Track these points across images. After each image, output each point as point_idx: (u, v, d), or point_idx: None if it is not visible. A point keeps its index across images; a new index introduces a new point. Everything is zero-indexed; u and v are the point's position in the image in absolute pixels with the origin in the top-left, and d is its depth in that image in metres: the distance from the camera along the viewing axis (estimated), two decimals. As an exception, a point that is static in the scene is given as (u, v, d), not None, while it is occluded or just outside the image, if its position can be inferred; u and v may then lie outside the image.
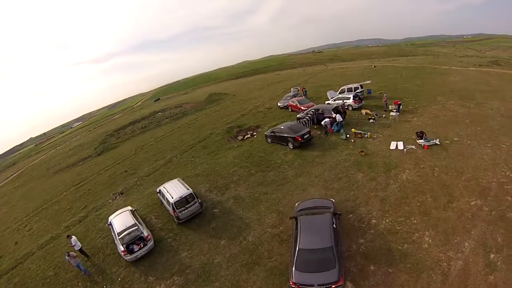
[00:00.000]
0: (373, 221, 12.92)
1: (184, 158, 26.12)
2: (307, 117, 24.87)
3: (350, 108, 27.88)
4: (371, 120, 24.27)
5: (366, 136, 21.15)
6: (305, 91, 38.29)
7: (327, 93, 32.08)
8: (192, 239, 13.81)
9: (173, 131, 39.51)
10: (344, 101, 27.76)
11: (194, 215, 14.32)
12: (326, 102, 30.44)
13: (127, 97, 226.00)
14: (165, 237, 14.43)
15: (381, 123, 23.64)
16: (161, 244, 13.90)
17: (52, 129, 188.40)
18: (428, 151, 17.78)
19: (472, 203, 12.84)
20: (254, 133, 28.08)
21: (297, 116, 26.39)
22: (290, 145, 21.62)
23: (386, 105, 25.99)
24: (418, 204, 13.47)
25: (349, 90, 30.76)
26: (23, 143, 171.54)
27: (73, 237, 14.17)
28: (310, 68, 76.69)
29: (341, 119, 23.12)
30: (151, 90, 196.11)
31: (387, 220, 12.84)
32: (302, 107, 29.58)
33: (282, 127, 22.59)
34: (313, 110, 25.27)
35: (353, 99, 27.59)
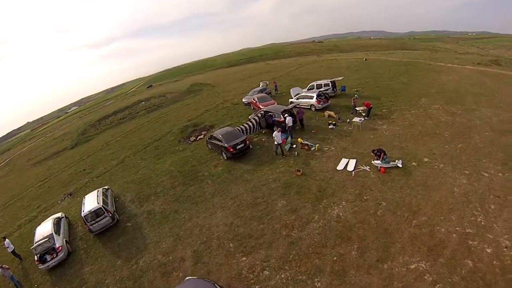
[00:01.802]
0: (266, 272, 9.77)
1: (134, 159, 24.41)
2: (252, 121, 20.78)
3: (313, 109, 23.53)
4: (330, 126, 19.98)
5: (313, 149, 17.00)
6: (276, 86, 33.77)
7: (291, 90, 27.60)
8: (98, 254, 13.13)
9: (142, 126, 37.42)
10: (302, 100, 23.44)
11: (106, 228, 14.13)
12: (290, 100, 26.02)
13: (126, 81, 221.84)
14: (81, 247, 13.91)
15: (341, 131, 19.39)
16: (74, 255, 13.52)
17: (50, 113, 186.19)
18: (384, 176, 13.58)
19: (412, 267, 8.88)
20: (201, 136, 25.03)
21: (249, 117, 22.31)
22: (224, 155, 18.32)
23: (355, 107, 21.50)
24: (335, 257, 9.67)
25: (319, 86, 26.29)
26: (20, 127, 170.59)
27: (7, 239, 14.34)
28: (302, 58, 71.39)
29: (291, 124, 18.81)
30: (150, 75, 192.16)
31: (283, 276, 9.40)
32: (261, 106, 25.45)
33: (218, 133, 19.09)
34: (262, 112, 21.14)
35: (316, 98, 23.05)
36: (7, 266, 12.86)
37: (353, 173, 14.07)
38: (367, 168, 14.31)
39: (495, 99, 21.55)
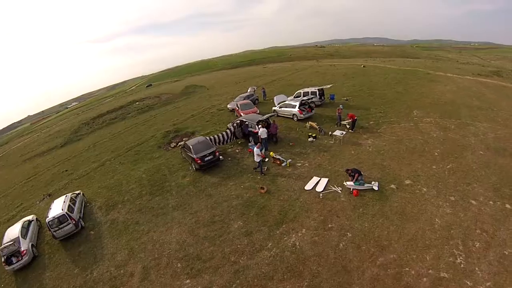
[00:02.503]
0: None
1: (113, 163, 23.57)
2: (227, 131, 19.45)
3: (295, 119, 21.95)
4: (310, 139, 18.37)
5: (284, 164, 15.50)
6: (264, 92, 32.32)
7: (274, 97, 26.03)
8: (60, 260, 12.82)
9: (130, 128, 36.48)
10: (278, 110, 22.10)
11: (70, 234, 13.86)
12: (273, 109, 24.46)
13: (129, 78, 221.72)
14: (46, 252, 13.59)
15: (320, 144, 17.82)
16: (38, 259, 13.26)
17: (51, 108, 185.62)
18: (357, 199, 11.94)
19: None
20: (181, 142, 23.40)
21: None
22: (193, 166, 17.27)
23: (340, 118, 19.88)
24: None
25: (306, 94, 24.79)
26: (21, 120, 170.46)
27: None
28: (300, 63, 69.71)
29: (265, 136, 17.25)
30: (152, 74, 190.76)
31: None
32: (242, 113, 24.01)
33: (190, 143, 17.83)
34: (238, 122, 19.66)
35: (298, 107, 21.47)
36: None
37: (321, 194, 12.52)
38: (339, 189, 12.71)
39: (492, 112, 19.84)
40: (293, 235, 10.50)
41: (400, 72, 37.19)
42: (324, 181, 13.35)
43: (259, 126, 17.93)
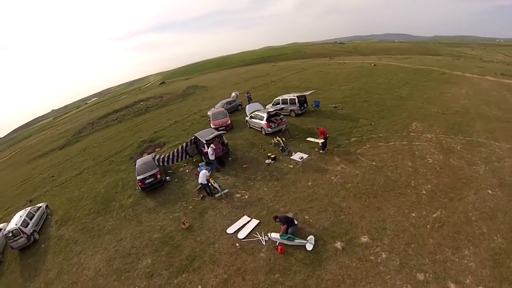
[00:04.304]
0: None
1: (88, 173, 22.94)
2: (178, 148, 17.17)
3: (263, 132, 18.51)
4: (268, 160, 14.88)
5: (218, 195, 13.08)
6: (249, 97, 28.97)
7: (246, 107, 22.46)
8: (13, 268, 13.33)
9: (119, 132, 35.72)
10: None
11: (24, 247, 14.34)
12: (245, 119, 21.18)
13: (148, 74, 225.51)
14: (7, 259, 14.24)
15: (277, 169, 14.53)
16: (1, 266, 13.83)
17: (73, 102, 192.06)
18: (279, 259, 8.95)
19: None
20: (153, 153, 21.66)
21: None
22: (138, 186, 15.78)
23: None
24: None
25: (285, 102, 21.11)
26: (45, 114, 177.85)
27: None
28: (312, 60, 64.76)
29: (213, 157, 14.26)
30: (169, 70, 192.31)
31: None
32: (212, 124, 21.51)
33: (138, 161, 16.83)
34: (192, 138, 17.29)
35: (266, 120, 17.98)
36: None
37: (239, 243, 9.90)
38: (264, 240, 9.66)
39: (516, 128, 15.10)
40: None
41: (411, 71, 31.86)
42: (252, 224, 10.61)
43: (211, 144, 15.43)
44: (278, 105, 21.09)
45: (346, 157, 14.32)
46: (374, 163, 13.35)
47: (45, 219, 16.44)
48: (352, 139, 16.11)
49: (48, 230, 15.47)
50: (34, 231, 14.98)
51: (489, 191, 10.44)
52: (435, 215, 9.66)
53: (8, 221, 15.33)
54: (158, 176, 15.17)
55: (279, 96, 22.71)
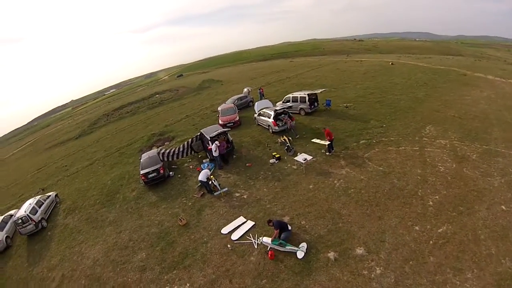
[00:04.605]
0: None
1: (99, 164, 23.65)
2: (184, 143, 17.16)
3: (271, 130, 18.25)
4: (272, 160, 14.67)
5: (216, 194, 13.11)
6: (262, 94, 28.32)
7: (255, 104, 22.19)
8: (21, 253, 13.98)
9: (132, 125, 36.48)
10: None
11: (32, 233, 14.90)
12: (254, 116, 20.95)
13: (169, 67, 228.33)
14: (16, 244, 14.85)
15: (280, 169, 14.37)
16: (10, 249, 14.65)
17: (92, 93, 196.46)
18: (269, 265, 8.85)
19: None
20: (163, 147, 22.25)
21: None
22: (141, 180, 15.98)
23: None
24: None
25: (294, 100, 20.72)
26: (65, 104, 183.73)
27: None
28: (330, 57, 63.08)
29: (216, 154, 14.51)
30: (188, 63, 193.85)
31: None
32: (220, 120, 21.44)
33: (144, 155, 17.03)
34: (198, 134, 17.26)
35: (273, 118, 17.67)
36: None
37: (231, 244, 9.88)
38: (256, 243, 9.53)
39: (539, 137, 14.05)
40: (175, 287, 9.08)
41: (429, 72, 30.26)
42: (248, 225, 10.50)
43: (216, 141, 15.41)
44: (288, 103, 20.66)
45: (352, 160, 13.81)
46: (381, 169, 12.78)
47: (54, 207, 16.96)
48: (361, 142, 15.51)
49: (55, 218, 16.02)
50: (42, 218, 15.46)
51: (503, 207, 9.69)
52: (440, 230, 9.07)
53: (19, 208, 15.87)
54: (161, 171, 15.36)
55: (289, 93, 22.20)
